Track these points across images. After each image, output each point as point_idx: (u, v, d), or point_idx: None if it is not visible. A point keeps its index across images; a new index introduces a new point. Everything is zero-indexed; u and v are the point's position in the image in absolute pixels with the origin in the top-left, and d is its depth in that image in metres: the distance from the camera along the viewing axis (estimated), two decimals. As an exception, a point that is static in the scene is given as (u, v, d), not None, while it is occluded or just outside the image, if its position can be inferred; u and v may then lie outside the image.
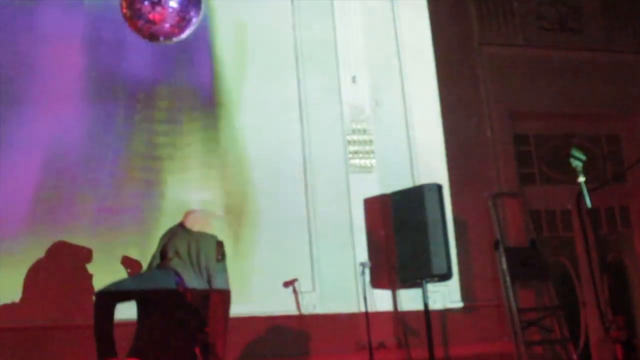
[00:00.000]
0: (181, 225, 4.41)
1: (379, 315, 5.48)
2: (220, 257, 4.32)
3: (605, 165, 6.94)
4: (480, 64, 6.57)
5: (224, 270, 4.35)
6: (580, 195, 3.52)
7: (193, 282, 4.12)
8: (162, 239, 4.42)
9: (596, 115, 6.90)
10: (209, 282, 4.25)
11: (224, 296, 4.29)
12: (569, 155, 3.42)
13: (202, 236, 4.35)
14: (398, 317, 5.67)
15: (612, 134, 7.05)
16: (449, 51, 6.43)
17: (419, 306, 5.36)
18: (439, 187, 5.54)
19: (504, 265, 5.75)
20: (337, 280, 5.63)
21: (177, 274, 4.00)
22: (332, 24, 6.21)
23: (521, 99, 6.60)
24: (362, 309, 5.03)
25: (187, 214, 4.50)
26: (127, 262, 5.10)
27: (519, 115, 6.63)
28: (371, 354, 4.95)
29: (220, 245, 4.37)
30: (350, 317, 5.46)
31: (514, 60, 6.69)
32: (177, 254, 4.21)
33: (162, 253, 4.23)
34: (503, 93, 6.56)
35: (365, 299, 4.98)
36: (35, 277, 5.07)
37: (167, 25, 4.10)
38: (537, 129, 6.80)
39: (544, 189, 6.65)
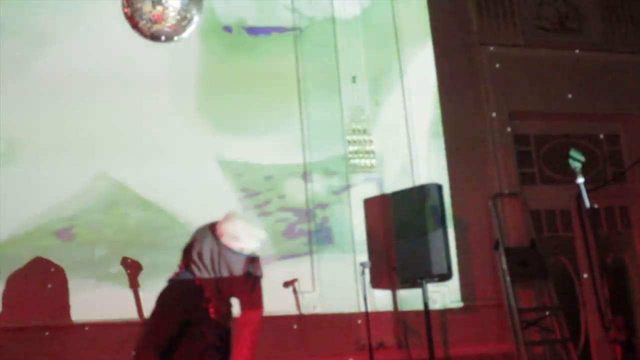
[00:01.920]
0: (212, 228, 3.88)
1: (379, 315, 5.48)
2: (249, 273, 3.78)
3: (605, 165, 6.94)
4: (480, 64, 6.57)
5: (253, 288, 3.81)
6: (580, 194, 3.52)
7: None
8: (193, 235, 3.97)
9: (596, 115, 6.90)
10: (231, 299, 3.81)
11: (251, 317, 3.77)
12: (568, 157, 3.41)
13: (229, 249, 3.81)
14: (398, 317, 5.67)
15: (612, 134, 7.05)
16: (449, 51, 6.43)
17: (419, 306, 5.36)
18: (439, 187, 5.54)
19: (504, 265, 5.75)
20: (337, 280, 5.63)
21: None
22: (332, 25, 6.21)
23: (521, 99, 6.60)
24: (362, 309, 5.02)
25: (224, 220, 3.90)
26: (126, 263, 5.09)
27: (519, 115, 6.63)
28: (371, 354, 4.94)
29: (250, 260, 3.82)
30: (350, 317, 5.46)
31: (514, 60, 6.68)
32: (199, 259, 3.78)
33: (184, 253, 3.87)
34: (503, 93, 6.56)
35: (365, 299, 4.98)
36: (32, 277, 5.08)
37: (167, 25, 4.10)
38: (537, 129, 6.80)
39: (544, 189, 6.65)
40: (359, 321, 5.33)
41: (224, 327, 3.73)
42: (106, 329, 5.03)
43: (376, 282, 5.56)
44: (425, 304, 5.27)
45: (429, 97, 6.25)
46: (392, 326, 5.64)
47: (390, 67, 6.27)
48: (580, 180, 3.41)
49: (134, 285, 5.04)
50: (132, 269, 5.08)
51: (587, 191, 3.35)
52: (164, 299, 3.72)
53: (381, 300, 5.63)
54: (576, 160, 3.40)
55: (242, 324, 3.74)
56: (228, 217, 3.89)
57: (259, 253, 3.92)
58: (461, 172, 6.13)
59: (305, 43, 6.11)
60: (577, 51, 6.83)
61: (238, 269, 3.74)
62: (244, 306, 3.78)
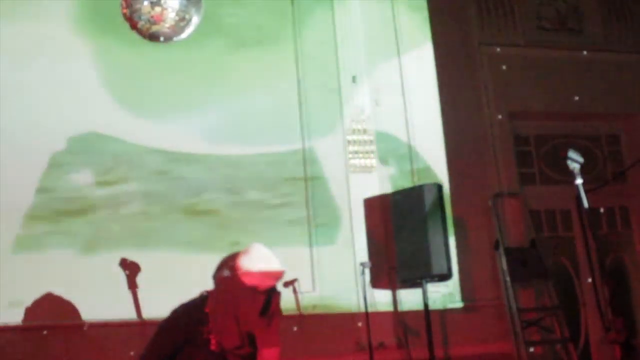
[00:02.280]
0: (230, 261, 3.67)
1: (379, 315, 5.48)
2: (264, 311, 3.53)
3: (605, 165, 6.94)
4: (480, 64, 6.57)
5: (269, 325, 3.55)
6: (579, 195, 3.51)
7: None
8: (223, 259, 3.80)
9: (596, 115, 6.90)
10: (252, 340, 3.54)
11: (266, 356, 3.50)
12: (566, 158, 3.41)
13: (244, 285, 3.54)
14: (398, 317, 5.67)
15: (612, 134, 7.05)
16: (449, 51, 6.43)
17: (419, 306, 5.35)
18: (439, 187, 5.53)
19: (504, 265, 5.75)
20: (337, 280, 5.63)
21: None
22: (332, 24, 6.21)
23: (521, 99, 6.60)
24: (362, 309, 5.02)
25: (242, 252, 3.68)
26: (125, 264, 5.09)
27: (519, 115, 6.63)
28: (371, 354, 4.94)
29: (268, 296, 3.56)
30: (350, 317, 5.46)
31: (514, 60, 6.68)
32: (216, 289, 3.62)
33: (215, 272, 3.73)
34: (503, 93, 6.56)
35: (365, 299, 4.98)
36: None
37: (166, 26, 4.10)
38: (537, 129, 6.80)
39: (544, 189, 6.65)
40: (360, 324, 5.33)
41: None
42: (106, 329, 5.03)
43: (376, 282, 5.56)
44: (425, 304, 5.26)
45: (429, 97, 6.25)
46: (392, 326, 5.64)
47: (390, 67, 6.27)
48: (579, 181, 3.39)
49: (133, 287, 5.04)
50: (131, 270, 5.07)
51: (587, 191, 3.34)
52: (172, 319, 3.57)
53: (381, 300, 5.63)
54: (574, 161, 3.39)
55: None
56: (246, 251, 3.66)
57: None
58: (461, 172, 6.13)
59: (305, 43, 6.11)
60: (582, 52, 6.83)
61: (254, 304, 3.50)
62: (259, 344, 3.51)
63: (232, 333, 3.47)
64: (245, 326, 3.48)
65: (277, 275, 3.64)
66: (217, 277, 3.70)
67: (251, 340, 3.51)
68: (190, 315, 3.52)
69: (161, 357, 3.44)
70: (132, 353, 3.61)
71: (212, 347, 3.43)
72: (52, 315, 5.01)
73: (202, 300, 3.57)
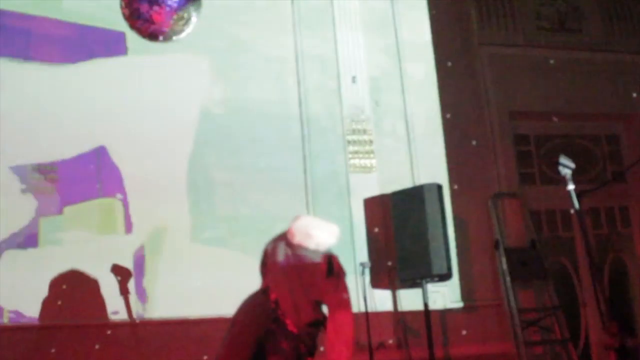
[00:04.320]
0: (282, 237, 3.68)
1: (379, 315, 5.48)
2: (329, 271, 3.52)
3: (605, 165, 6.94)
4: (480, 64, 6.57)
5: (337, 286, 3.53)
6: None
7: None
8: (264, 249, 3.75)
9: (596, 115, 6.90)
10: (318, 305, 3.54)
11: (340, 319, 3.47)
12: (558, 164, 3.41)
13: (303, 249, 3.59)
14: (398, 317, 5.67)
15: (612, 134, 7.05)
16: (449, 51, 6.43)
17: (419, 306, 5.36)
18: (439, 187, 5.54)
19: (504, 265, 5.76)
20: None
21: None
22: (332, 24, 6.21)
23: (521, 99, 6.60)
24: (362, 309, 5.02)
25: (292, 222, 3.72)
26: (117, 270, 5.10)
27: (519, 115, 6.63)
28: (371, 354, 4.94)
29: (329, 257, 3.58)
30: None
31: (514, 60, 6.68)
32: (275, 268, 3.57)
33: (261, 269, 3.69)
34: (503, 93, 6.56)
35: (365, 299, 4.98)
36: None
37: (166, 25, 4.09)
38: (537, 129, 6.80)
39: (544, 189, 6.64)
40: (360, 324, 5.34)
41: (303, 340, 3.46)
42: (106, 328, 5.03)
43: (376, 282, 5.56)
44: (425, 304, 5.27)
45: (429, 96, 6.25)
46: (392, 326, 5.64)
47: (390, 67, 6.27)
48: (571, 187, 3.40)
49: (125, 292, 5.06)
50: (123, 276, 5.09)
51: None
52: (245, 318, 3.53)
53: (381, 300, 5.63)
54: (566, 167, 3.40)
55: (332, 330, 3.43)
56: (296, 218, 3.72)
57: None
58: (461, 172, 6.13)
59: (305, 43, 6.11)
60: (582, 52, 6.82)
61: (317, 268, 3.52)
62: (331, 309, 3.49)
63: (305, 306, 3.45)
64: (314, 294, 3.46)
65: (333, 232, 3.69)
66: (271, 263, 3.63)
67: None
68: (262, 307, 3.48)
69: (247, 355, 3.39)
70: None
71: (290, 328, 3.42)
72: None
73: (263, 293, 3.54)
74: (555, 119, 6.60)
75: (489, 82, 6.55)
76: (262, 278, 3.68)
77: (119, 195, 5.33)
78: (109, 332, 5.03)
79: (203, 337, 4.92)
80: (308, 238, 3.59)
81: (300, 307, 3.47)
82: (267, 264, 3.65)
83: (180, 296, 5.11)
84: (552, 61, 6.60)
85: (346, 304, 3.53)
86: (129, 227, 5.30)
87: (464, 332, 5.70)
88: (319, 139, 5.94)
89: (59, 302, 4.98)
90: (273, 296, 3.49)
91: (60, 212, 5.21)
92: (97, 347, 4.94)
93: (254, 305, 3.54)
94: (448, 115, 6.22)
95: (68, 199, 5.26)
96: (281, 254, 3.57)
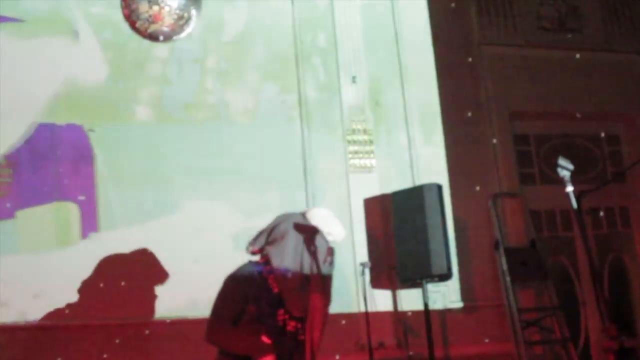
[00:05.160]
0: (302, 215, 3.86)
1: (379, 315, 5.47)
2: (327, 261, 3.82)
3: (605, 165, 6.94)
4: (480, 64, 6.57)
5: (330, 277, 3.88)
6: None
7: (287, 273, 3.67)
8: (275, 219, 3.86)
9: (596, 115, 6.90)
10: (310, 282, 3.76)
11: (325, 302, 3.82)
12: (557, 165, 3.41)
13: (317, 234, 3.78)
14: (398, 317, 5.67)
15: (612, 134, 7.05)
16: (449, 51, 6.43)
17: (419, 306, 5.35)
18: (439, 187, 5.53)
19: (504, 265, 5.76)
20: (337, 280, 5.59)
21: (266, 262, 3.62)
22: (332, 24, 6.21)
23: (521, 99, 6.60)
24: (362, 309, 5.01)
25: (309, 210, 3.95)
26: None
27: (519, 115, 6.63)
28: (371, 354, 4.94)
29: (331, 250, 3.84)
30: (350, 317, 5.45)
31: (514, 60, 6.69)
32: (282, 237, 3.71)
33: (269, 233, 3.77)
34: (503, 93, 6.56)
35: (365, 299, 4.97)
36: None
37: (165, 25, 4.10)
38: (537, 129, 6.80)
39: (544, 189, 6.64)
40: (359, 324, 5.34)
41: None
42: (105, 328, 5.04)
43: (376, 282, 5.56)
44: (425, 304, 5.26)
45: (429, 96, 6.25)
46: (392, 326, 5.64)
47: (390, 67, 6.27)
48: (570, 189, 3.40)
49: None
50: None
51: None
52: (234, 281, 3.61)
53: (381, 300, 5.62)
54: (564, 168, 3.40)
55: (315, 307, 3.73)
56: (311, 209, 3.96)
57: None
58: (461, 172, 6.13)
59: (305, 44, 6.11)
60: (582, 52, 6.82)
61: (322, 255, 3.78)
62: (311, 288, 3.74)
63: (294, 274, 3.67)
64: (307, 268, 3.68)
65: (343, 231, 3.90)
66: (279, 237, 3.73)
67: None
68: (251, 273, 3.60)
69: (235, 311, 3.50)
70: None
71: (274, 290, 3.58)
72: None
73: (254, 265, 3.64)
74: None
75: (489, 82, 6.55)
76: (255, 244, 3.76)
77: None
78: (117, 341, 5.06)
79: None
80: (325, 225, 3.78)
81: (291, 272, 3.68)
82: (273, 231, 3.75)
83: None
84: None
85: (329, 291, 3.83)
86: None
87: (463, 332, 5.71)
88: (319, 139, 5.94)
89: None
90: (271, 279, 3.62)
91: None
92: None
93: (243, 272, 3.65)
94: (448, 115, 6.22)
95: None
96: (292, 235, 3.71)
